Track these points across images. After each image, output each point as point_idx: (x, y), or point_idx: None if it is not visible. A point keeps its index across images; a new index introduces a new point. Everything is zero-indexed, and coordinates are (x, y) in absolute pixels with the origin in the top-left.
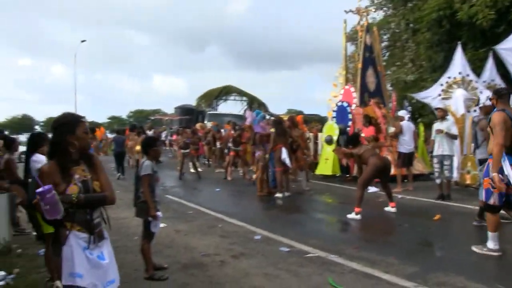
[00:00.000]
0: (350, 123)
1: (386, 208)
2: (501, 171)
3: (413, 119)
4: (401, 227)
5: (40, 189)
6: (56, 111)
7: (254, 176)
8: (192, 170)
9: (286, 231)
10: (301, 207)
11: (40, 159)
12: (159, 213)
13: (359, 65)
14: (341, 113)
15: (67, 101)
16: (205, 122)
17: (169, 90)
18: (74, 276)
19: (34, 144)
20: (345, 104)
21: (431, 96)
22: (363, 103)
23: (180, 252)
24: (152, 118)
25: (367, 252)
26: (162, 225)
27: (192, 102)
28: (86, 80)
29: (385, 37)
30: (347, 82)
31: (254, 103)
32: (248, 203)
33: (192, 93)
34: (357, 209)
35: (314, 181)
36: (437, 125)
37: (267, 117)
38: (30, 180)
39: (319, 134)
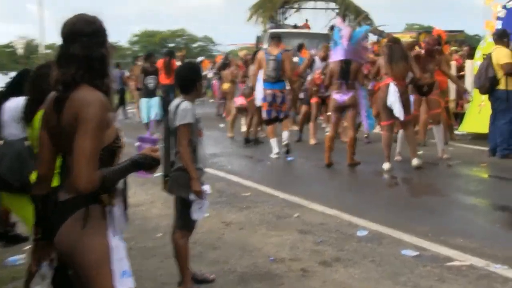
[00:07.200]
0: None
1: None
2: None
3: None
4: None
5: (145, 135)
6: (8, 35)
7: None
8: (244, 129)
9: (411, 224)
10: (434, 186)
11: (18, 103)
12: (206, 187)
13: None
14: None
15: (25, 19)
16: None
17: None
18: (128, 276)
19: (18, 85)
20: None
21: None
22: None
23: (234, 255)
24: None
25: None
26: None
27: (237, 15)
28: None
29: None
30: None
31: (349, 13)
32: (341, 179)
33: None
34: None
35: (457, 143)
36: None
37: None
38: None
39: (468, 64)
